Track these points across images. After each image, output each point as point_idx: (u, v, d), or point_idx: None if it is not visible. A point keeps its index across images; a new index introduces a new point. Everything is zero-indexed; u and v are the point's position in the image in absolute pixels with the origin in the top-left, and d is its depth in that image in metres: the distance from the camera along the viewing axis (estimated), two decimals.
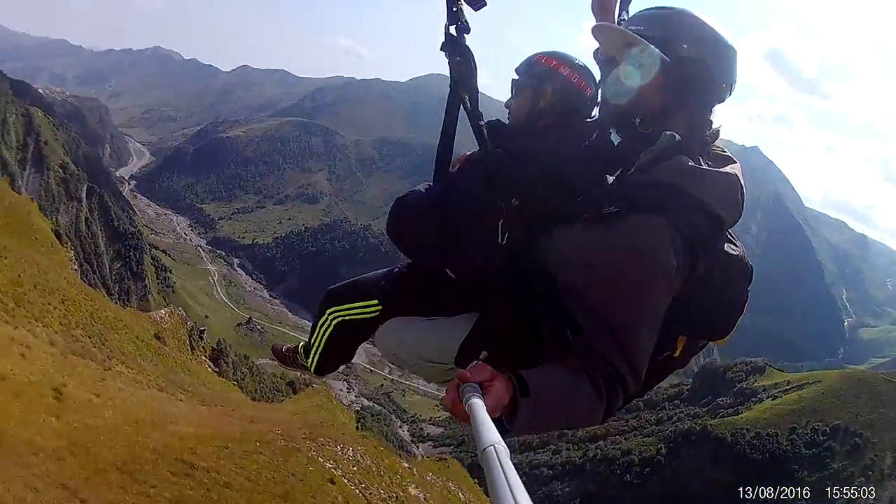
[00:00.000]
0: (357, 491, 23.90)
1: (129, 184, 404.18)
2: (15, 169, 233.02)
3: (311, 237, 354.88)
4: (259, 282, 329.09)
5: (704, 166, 2.92)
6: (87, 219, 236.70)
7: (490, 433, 1.66)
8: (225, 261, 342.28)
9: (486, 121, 3.63)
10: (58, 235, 74.25)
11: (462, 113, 3.55)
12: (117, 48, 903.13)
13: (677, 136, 2.94)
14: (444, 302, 3.96)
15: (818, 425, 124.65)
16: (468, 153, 4.00)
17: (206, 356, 78.71)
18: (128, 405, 24.36)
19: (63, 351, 31.16)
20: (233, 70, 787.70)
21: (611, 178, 3.15)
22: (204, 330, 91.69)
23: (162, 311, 75.86)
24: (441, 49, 3.38)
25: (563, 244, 2.97)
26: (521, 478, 1.40)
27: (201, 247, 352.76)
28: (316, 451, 23.87)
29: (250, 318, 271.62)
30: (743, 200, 3.00)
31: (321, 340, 4.63)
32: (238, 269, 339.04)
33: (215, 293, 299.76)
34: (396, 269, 4.40)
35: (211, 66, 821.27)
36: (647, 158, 2.96)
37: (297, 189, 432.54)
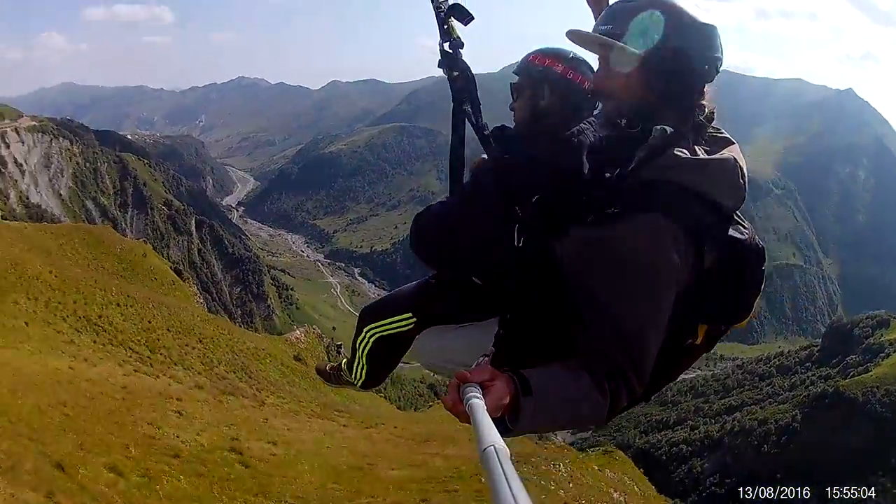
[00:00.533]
0: None
1: (238, 210, 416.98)
2: (116, 213, 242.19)
3: None
4: (382, 288, 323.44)
5: (701, 154, 2.89)
6: (199, 249, 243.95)
7: (490, 433, 1.69)
8: (345, 272, 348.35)
9: (491, 127, 3.80)
10: (178, 272, 74.27)
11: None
12: (200, 85, 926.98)
13: (668, 130, 2.89)
14: (473, 308, 4.00)
15: None
16: (479, 158, 4.01)
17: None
18: (311, 450, 22.41)
19: (213, 393, 29.97)
20: (322, 87, 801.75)
21: (611, 173, 3.01)
22: (341, 344, 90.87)
23: (297, 331, 75.37)
24: (438, 66, 3.74)
25: (571, 246, 2.93)
26: (522, 479, 1.41)
27: (320, 261, 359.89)
28: (536, 475, 21.08)
29: None
30: (744, 182, 2.95)
31: (363, 357, 4.73)
32: (360, 278, 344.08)
33: (339, 304, 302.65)
34: (425, 281, 4.45)
35: (299, 86, 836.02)
36: (642, 156, 2.89)
37: (408, 193, 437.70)
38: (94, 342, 31.94)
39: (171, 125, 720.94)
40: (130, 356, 32.52)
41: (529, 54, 4.17)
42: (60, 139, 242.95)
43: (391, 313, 4.44)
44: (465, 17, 3.66)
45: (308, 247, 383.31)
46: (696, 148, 2.90)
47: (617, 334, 2.61)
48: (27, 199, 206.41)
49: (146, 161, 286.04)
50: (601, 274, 2.70)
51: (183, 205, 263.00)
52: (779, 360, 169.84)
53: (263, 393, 35.69)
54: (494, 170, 3.55)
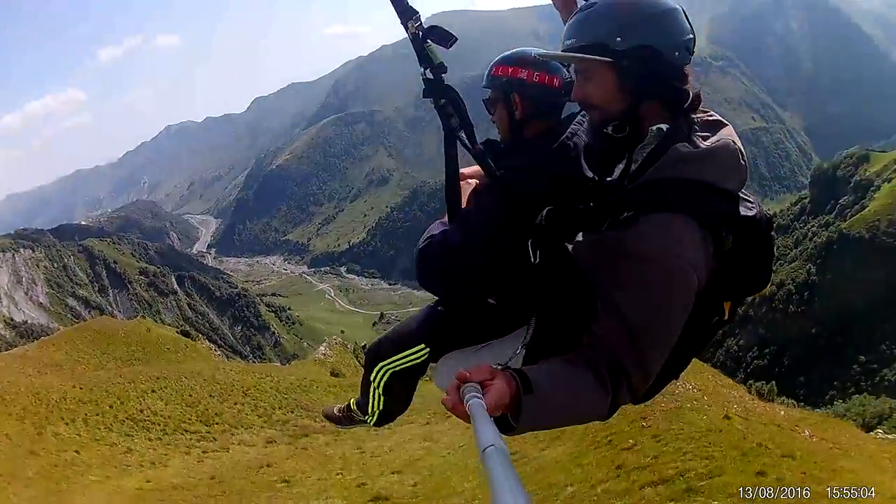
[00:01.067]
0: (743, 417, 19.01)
1: (210, 253, 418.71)
2: (99, 300, 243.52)
3: (399, 214, 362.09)
4: (373, 276, 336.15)
5: (700, 143, 2.84)
6: (189, 304, 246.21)
7: (490, 434, 1.70)
8: (333, 273, 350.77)
9: (480, 143, 3.70)
10: (186, 334, 73.29)
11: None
12: (132, 148, 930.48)
13: (664, 128, 2.88)
14: (492, 327, 3.91)
15: None
16: (465, 170, 3.89)
17: None
18: (440, 464, 21.03)
19: (288, 442, 29.94)
20: (248, 107, 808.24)
21: (612, 177, 3.10)
22: (365, 344, 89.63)
23: (322, 347, 74.38)
24: (424, 97, 3.48)
25: (587, 251, 2.92)
26: (520, 478, 1.43)
27: (305, 273, 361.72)
28: (689, 402, 19.07)
29: (381, 313, 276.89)
30: (745, 163, 2.94)
31: (378, 395, 4.59)
32: (348, 275, 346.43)
33: (338, 307, 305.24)
34: (433, 310, 4.24)
35: (226, 115, 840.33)
36: (644, 158, 2.90)
37: (364, 179, 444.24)
38: (150, 440, 30.30)
39: (119, 196, 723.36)
40: (191, 439, 31.09)
41: (492, 65, 3.86)
42: (21, 251, 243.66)
43: (403, 347, 4.25)
44: (447, 40, 3.39)
45: (289, 263, 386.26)
46: (694, 138, 2.85)
47: (629, 335, 2.59)
48: (11, 320, 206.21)
49: (108, 240, 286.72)
50: (618, 275, 2.67)
51: (158, 267, 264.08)
52: (775, 221, 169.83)
53: (328, 423, 33.41)
54: (497, 188, 3.48)
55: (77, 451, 27.39)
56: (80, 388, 35.12)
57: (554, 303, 3.16)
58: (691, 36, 2.87)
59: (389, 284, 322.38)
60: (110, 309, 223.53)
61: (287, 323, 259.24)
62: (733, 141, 2.85)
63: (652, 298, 2.58)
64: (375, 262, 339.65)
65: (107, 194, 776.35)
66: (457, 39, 3.38)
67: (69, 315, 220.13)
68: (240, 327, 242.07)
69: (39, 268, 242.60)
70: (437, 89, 3.36)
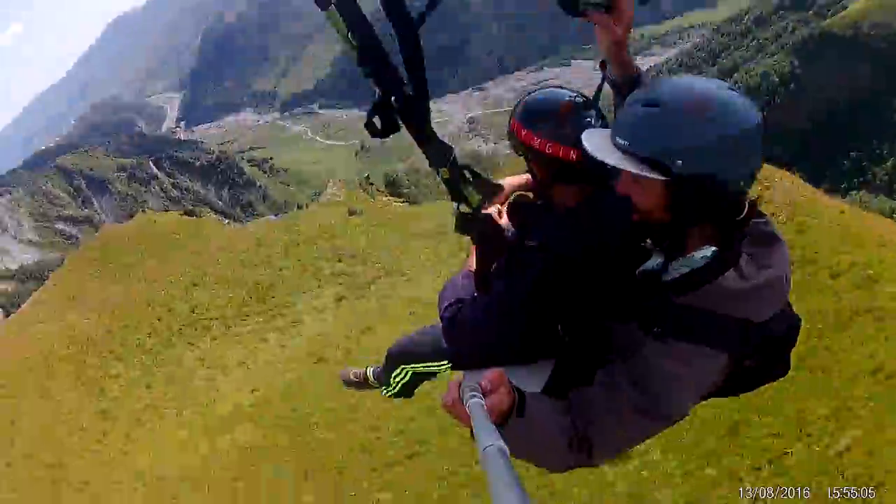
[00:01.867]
0: None
1: (181, 127, 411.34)
2: (85, 213, 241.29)
3: None
4: (347, 107, 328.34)
5: (747, 274, 2.52)
6: (172, 184, 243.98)
7: (490, 433, 1.70)
8: (306, 113, 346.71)
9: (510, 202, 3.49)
10: (190, 213, 67.58)
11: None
12: (79, 54, 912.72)
13: (709, 253, 2.54)
14: (515, 360, 3.54)
15: None
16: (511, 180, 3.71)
17: (387, 196, 73.47)
18: None
19: (362, 296, 26.94)
20: None
21: (644, 268, 2.81)
22: (368, 175, 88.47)
23: (327, 189, 69.79)
24: (454, 231, 3.33)
25: (615, 333, 2.71)
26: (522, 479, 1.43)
27: (278, 120, 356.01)
28: None
29: (361, 143, 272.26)
30: (789, 286, 2.71)
31: (397, 385, 5.30)
32: (321, 110, 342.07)
33: (317, 145, 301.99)
34: None
35: None
36: (686, 276, 2.55)
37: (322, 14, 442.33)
38: (215, 339, 27.28)
39: (78, 106, 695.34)
40: (258, 322, 27.92)
41: (511, 115, 3.32)
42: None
43: (427, 359, 4.74)
44: (487, 187, 3.20)
45: (260, 114, 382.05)
46: (742, 265, 2.54)
47: (613, 416, 2.52)
48: (8, 270, 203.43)
49: (79, 150, 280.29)
50: (627, 364, 2.55)
51: (133, 159, 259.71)
52: (753, 14, 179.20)
53: (399, 272, 29.00)
54: (532, 269, 3.06)
55: (148, 386, 24.46)
56: (114, 314, 32.16)
57: (578, 360, 3.03)
58: (760, 157, 2.46)
59: (366, 111, 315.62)
60: (98, 218, 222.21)
61: (271, 173, 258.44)
62: (784, 274, 2.63)
63: (649, 405, 2.48)
64: (347, 94, 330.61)
65: (67, 109, 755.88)
66: (501, 188, 3.26)
67: (61, 239, 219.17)
68: (226, 189, 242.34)
69: (21, 207, 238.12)
70: (470, 227, 3.25)
